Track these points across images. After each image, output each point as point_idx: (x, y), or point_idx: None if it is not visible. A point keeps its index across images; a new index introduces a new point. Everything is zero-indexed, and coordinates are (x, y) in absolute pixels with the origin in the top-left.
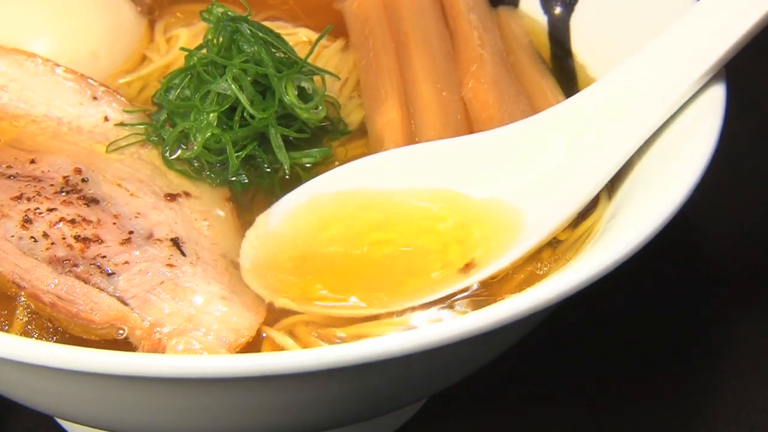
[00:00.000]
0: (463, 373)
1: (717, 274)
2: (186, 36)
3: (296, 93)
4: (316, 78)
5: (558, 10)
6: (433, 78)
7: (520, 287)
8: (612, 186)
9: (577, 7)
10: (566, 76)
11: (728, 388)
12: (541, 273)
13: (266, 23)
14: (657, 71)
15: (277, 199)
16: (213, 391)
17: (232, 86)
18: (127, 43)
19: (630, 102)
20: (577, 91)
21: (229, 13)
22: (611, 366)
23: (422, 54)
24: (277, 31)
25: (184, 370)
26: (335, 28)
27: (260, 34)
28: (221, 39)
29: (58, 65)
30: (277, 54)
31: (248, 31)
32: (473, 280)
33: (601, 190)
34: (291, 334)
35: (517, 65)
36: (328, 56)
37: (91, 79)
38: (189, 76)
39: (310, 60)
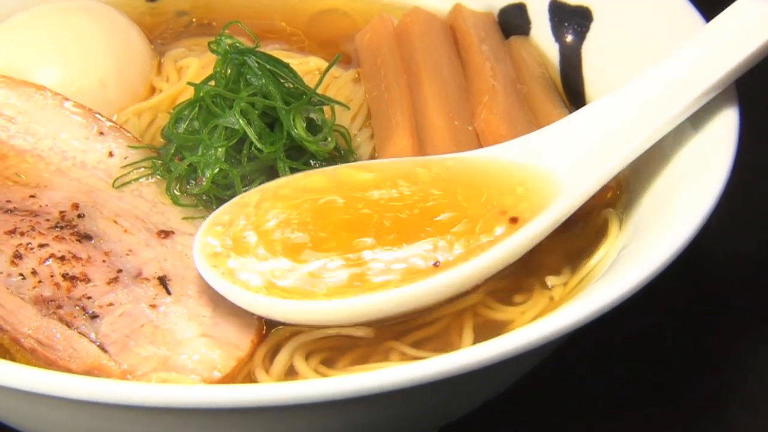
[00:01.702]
0: (473, 405)
1: (728, 303)
2: (196, 65)
3: (305, 124)
4: (326, 108)
5: (569, 38)
6: (445, 108)
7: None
8: (624, 216)
9: (589, 36)
10: (578, 104)
11: (740, 422)
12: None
13: (276, 52)
14: (668, 80)
15: None
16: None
17: (240, 120)
18: (137, 72)
19: (643, 105)
20: None
21: (237, 44)
22: (620, 396)
23: (434, 84)
24: (287, 60)
25: (158, 399)
26: (350, 60)
27: (268, 66)
28: (229, 71)
29: (66, 99)
30: (286, 84)
31: (255, 64)
32: (522, 235)
33: (612, 220)
34: (292, 370)
35: (529, 96)
36: (339, 86)
37: (99, 114)
38: (198, 107)
39: (320, 90)
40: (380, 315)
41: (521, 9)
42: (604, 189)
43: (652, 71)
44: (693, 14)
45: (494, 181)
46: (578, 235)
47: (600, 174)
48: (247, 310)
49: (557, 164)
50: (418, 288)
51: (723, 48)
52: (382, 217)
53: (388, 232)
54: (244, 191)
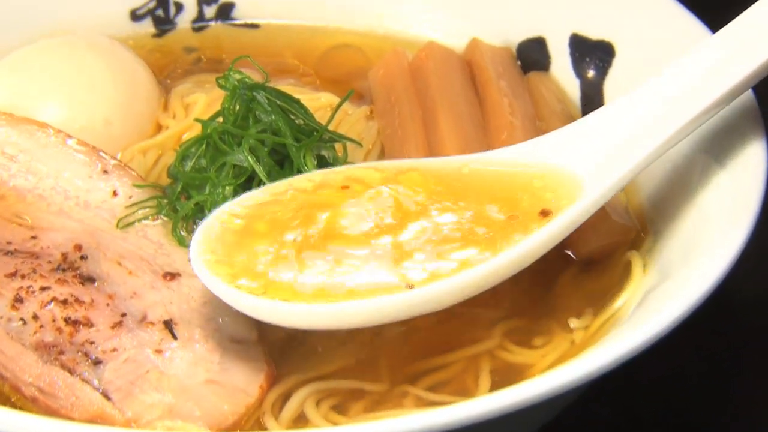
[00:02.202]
0: None
1: (756, 346)
2: (204, 101)
3: (316, 162)
4: (338, 145)
5: (591, 73)
6: (462, 146)
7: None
8: (648, 258)
9: (611, 71)
10: None
11: None
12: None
13: (287, 88)
14: (690, 77)
15: None
16: None
17: (249, 158)
18: (143, 109)
19: (664, 103)
20: None
21: (246, 80)
22: None
23: (450, 122)
24: (298, 95)
25: None
26: (362, 96)
27: (278, 102)
28: (237, 107)
29: (69, 137)
30: (296, 121)
31: (265, 100)
32: (556, 225)
33: (635, 262)
34: (302, 417)
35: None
36: (351, 123)
37: (103, 152)
38: (205, 144)
39: (331, 126)
40: (400, 316)
41: (540, 44)
42: (628, 230)
43: (670, 70)
44: None
45: (513, 179)
46: (600, 277)
47: (622, 171)
48: (239, 310)
49: (576, 162)
50: (445, 285)
51: (747, 45)
52: (403, 218)
53: (409, 231)
54: None
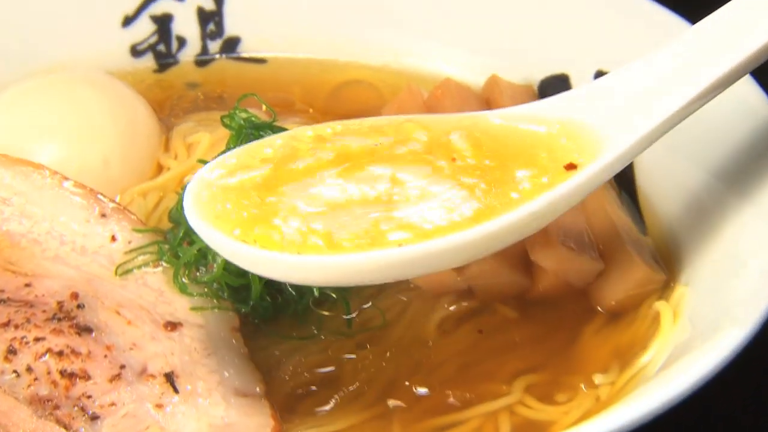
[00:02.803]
0: None
1: None
2: (207, 141)
3: None
4: None
5: None
6: None
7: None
8: (677, 309)
9: None
10: (626, 183)
11: None
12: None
13: (295, 126)
14: (711, 39)
15: (299, 323)
16: None
17: None
18: (143, 149)
19: (688, 61)
20: (638, 197)
21: (253, 119)
22: None
23: None
24: None
25: None
26: None
27: None
28: None
29: (66, 179)
30: None
31: None
32: (582, 177)
33: (664, 314)
34: None
35: None
36: None
37: (101, 194)
38: None
39: None
40: (410, 272)
41: (563, 81)
42: (656, 279)
43: (690, 35)
44: (754, 89)
45: (533, 134)
46: (627, 329)
47: (644, 129)
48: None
49: (598, 118)
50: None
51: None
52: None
53: (418, 180)
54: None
